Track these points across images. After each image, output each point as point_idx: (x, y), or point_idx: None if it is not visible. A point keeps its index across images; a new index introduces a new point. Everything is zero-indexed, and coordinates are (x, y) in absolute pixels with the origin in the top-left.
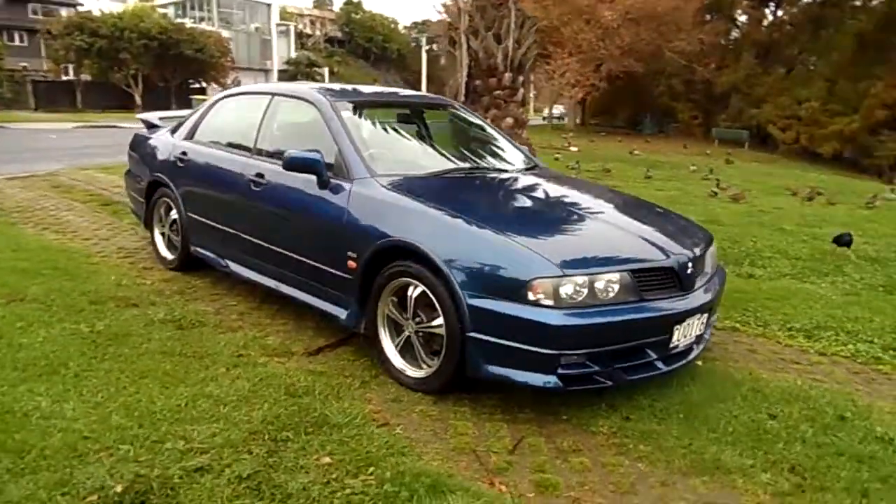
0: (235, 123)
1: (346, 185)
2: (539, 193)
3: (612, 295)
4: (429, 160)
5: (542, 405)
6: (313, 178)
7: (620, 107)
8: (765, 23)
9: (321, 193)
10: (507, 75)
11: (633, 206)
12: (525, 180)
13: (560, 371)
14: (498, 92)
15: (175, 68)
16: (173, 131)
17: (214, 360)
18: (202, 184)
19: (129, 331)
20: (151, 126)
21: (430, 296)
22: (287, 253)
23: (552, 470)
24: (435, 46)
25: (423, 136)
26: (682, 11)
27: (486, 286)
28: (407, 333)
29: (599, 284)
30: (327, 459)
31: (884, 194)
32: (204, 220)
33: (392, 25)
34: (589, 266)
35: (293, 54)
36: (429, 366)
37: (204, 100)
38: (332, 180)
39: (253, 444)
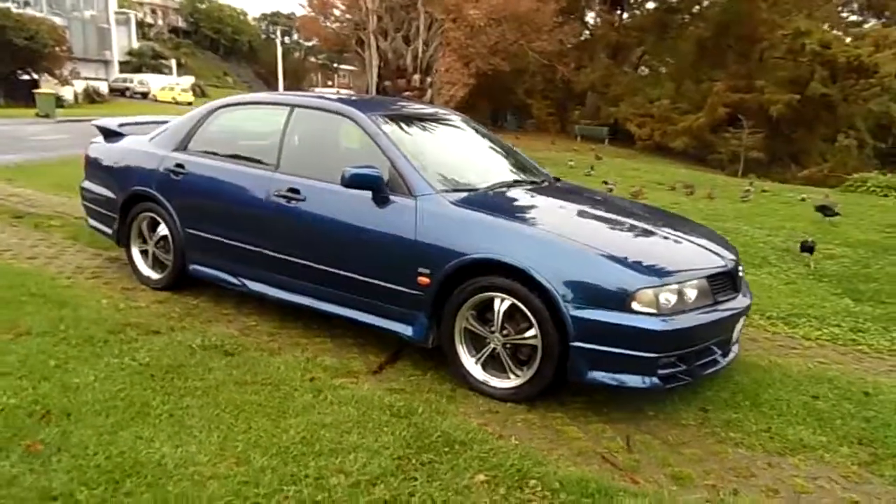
0: (246, 135)
1: (410, 202)
2: (595, 206)
3: (694, 299)
4: (474, 173)
5: (624, 405)
6: (366, 194)
7: (481, 103)
8: (616, 26)
9: (380, 210)
10: (416, 76)
11: (668, 216)
12: (568, 193)
13: (659, 372)
14: (407, 93)
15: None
16: (154, 140)
17: (293, 387)
18: (207, 198)
19: (179, 361)
20: (111, 134)
21: (524, 309)
22: (333, 270)
23: (675, 462)
24: (287, 39)
25: (455, 148)
26: (542, 13)
27: (589, 298)
28: (492, 346)
29: (686, 291)
30: (482, 477)
31: (748, 187)
32: (208, 236)
33: (241, 17)
34: (678, 275)
35: (135, 45)
36: (517, 375)
37: (52, 95)
38: (391, 197)
39: (411, 470)
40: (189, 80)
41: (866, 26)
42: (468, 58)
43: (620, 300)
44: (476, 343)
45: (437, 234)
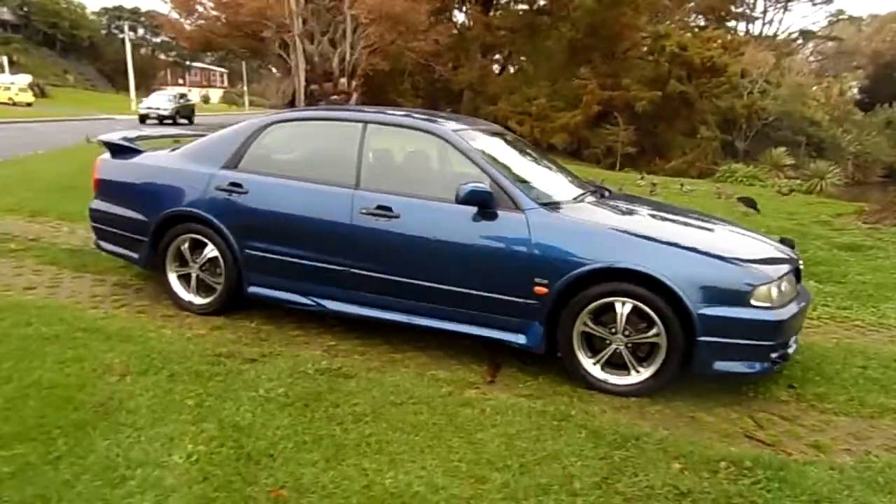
0: (310, 152)
1: (519, 216)
2: (670, 212)
3: (789, 291)
4: (551, 186)
5: (726, 391)
6: (471, 209)
7: (364, 103)
8: (489, 26)
9: (489, 225)
10: (343, 80)
11: (720, 218)
12: (636, 201)
13: (771, 356)
14: (335, 97)
15: None
16: (188, 157)
17: (442, 403)
18: (275, 217)
19: (313, 389)
20: (120, 149)
21: (647, 310)
22: (436, 285)
23: (804, 434)
24: (132, 35)
25: (522, 162)
26: (416, 13)
27: (712, 297)
28: (614, 346)
29: (785, 285)
30: (677, 465)
31: (639, 181)
32: (276, 256)
33: (80, 10)
34: (779, 270)
35: None
36: (638, 371)
37: None
38: (498, 211)
39: (621, 468)
40: (26, 79)
41: (713, 31)
42: None
43: (741, 296)
44: (591, 345)
45: (553, 245)
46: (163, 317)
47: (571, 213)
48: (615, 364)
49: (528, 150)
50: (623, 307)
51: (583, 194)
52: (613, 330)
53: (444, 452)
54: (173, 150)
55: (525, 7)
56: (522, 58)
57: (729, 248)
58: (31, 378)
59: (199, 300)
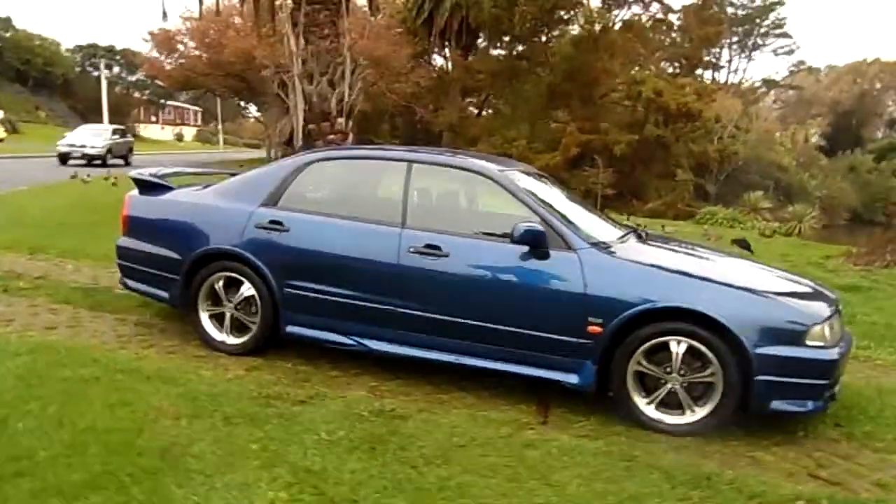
0: (352, 191)
1: (571, 255)
2: (707, 253)
3: (838, 331)
4: (593, 225)
5: (777, 428)
6: (522, 249)
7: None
8: (469, 70)
9: (541, 264)
10: (340, 120)
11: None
12: (673, 242)
13: (825, 395)
14: (331, 136)
15: None
16: (223, 194)
17: (512, 445)
18: (317, 256)
19: (375, 433)
20: (150, 186)
21: (702, 349)
22: (485, 325)
23: (867, 473)
24: (107, 73)
25: (563, 202)
26: (397, 56)
27: (768, 336)
28: (669, 386)
29: (835, 324)
30: None
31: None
32: (317, 295)
33: (54, 48)
34: (829, 310)
35: None
36: (693, 411)
37: None
38: (550, 251)
39: None
40: None
41: (684, 78)
42: None
43: (797, 336)
44: (643, 384)
45: (607, 285)
46: (195, 357)
47: (621, 252)
48: (668, 403)
49: (565, 191)
50: (678, 346)
51: (625, 234)
52: (668, 369)
53: (527, 496)
54: (205, 187)
55: (504, 52)
56: (501, 101)
57: (779, 287)
58: (84, 422)
59: (231, 340)
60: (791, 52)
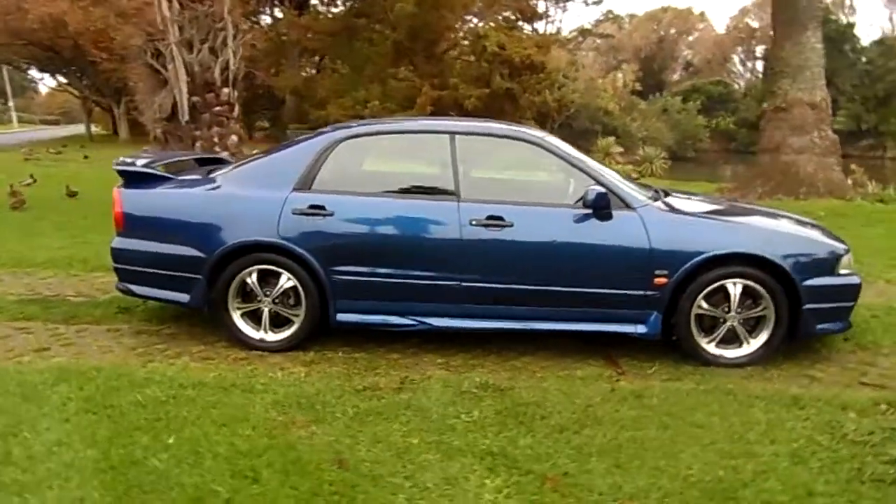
0: (394, 167)
1: (632, 214)
2: (734, 203)
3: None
4: (634, 185)
5: (804, 349)
6: (585, 211)
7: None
8: (307, 30)
9: (606, 224)
10: (226, 90)
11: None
12: (702, 196)
13: (849, 315)
14: (218, 108)
15: None
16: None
17: (666, 404)
18: (372, 238)
19: (519, 402)
20: (139, 177)
21: (756, 287)
22: (554, 288)
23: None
24: None
25: (597, 164)
26: (232, 16)
27: (810, 269)
28: (729, 324)
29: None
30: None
31: None
32: (375, 279)
33: None
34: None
35: None
36: (749, 343)
37: None
38: (613, 211)
39: None
40: None
41: (526, 31)
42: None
43: (832, 266)
44: (702, 325)
45: (669, 238)
46: (240, 360)
47: (671, 207)
48: (726, 339)
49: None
50: (735, 287)
51: (657, 192)
52: (726, 309)
53: (692, 441)
54: (210, 173)
55: (342, 10)
56: (342, 61)
57: (805, 227)
58: (222, 448)
59: (272, 336)
60: (599, 1)
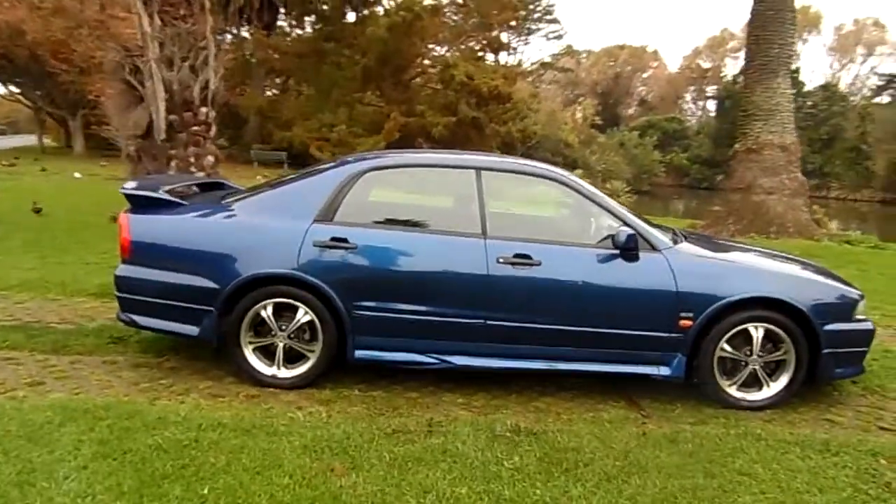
0: (423, 202)
1: (658, 256)
2: (746, 247)
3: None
4: (654, 225)
5: (814, 393)
6: (612, 252)
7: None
8: (275, 51)
9: (633, 266)
10: (204, 109)
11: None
12: (711, 238)
13: (863, 363)
14: (196, 127)
15: None
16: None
17: (682, 453)
18: (397, 273)
19: (555, 447)
20: (149, 202)
21: (777, 331)
22: (580, 329)
23: None
24: None
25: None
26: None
27: (829, 315)
28: (751, 367)
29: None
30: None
31: None
32: (397, 315)
33: None
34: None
35: None
36: (769, 387)
37: None
38: (640, 253)
39: None
40: None
41: (489, 61)
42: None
43: (849, 312)
44: (724, 367)
45: (694, 282)
46: (251, 398)
47: (693, 250)
48: (747, 383)
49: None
50: (757, 331)
51: (675, 234)
52: (748, 352)
53: (737, 487)
54: (226, 202)
55: (312, 33)
56: (308, 84)
57: (820, 272)
58: (263, 500)
59: (284, 373)
60: (560, 36)
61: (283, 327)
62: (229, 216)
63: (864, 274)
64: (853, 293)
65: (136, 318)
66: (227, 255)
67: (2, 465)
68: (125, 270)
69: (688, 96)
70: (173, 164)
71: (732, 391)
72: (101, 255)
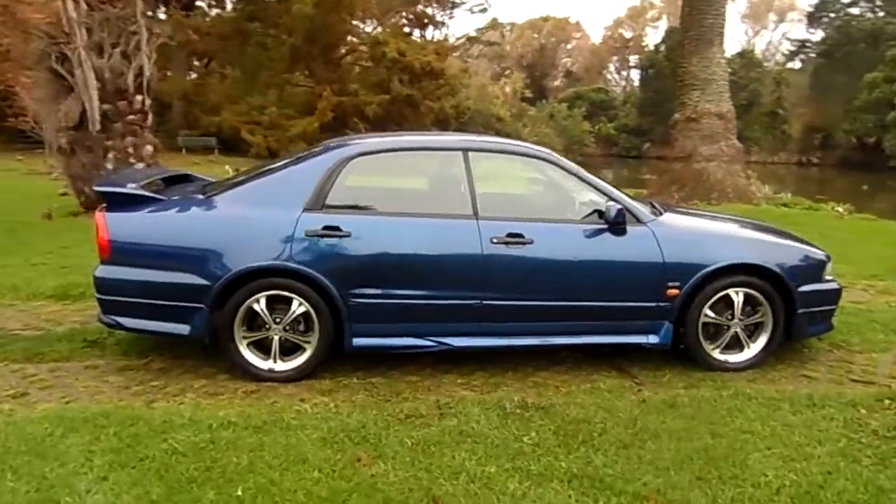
0: (413, 185)
1: (643, 229)
2: (715, 215)
3: None
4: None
5: (786, 350)
6: (600, 226)
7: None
8: (197, 32)
9: (621, 240)
10: (139, 97)
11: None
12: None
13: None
14: (131, 117)
15: None
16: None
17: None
18: (393, 258)
19: (566, 419)
20: (125, 199)
21: (756, 295)
22: (573, 303)
23: (872, 369)
24: None
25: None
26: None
27: (801, 276)
28: (733, 331)
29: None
30: None
31: None
32: (394, 300)
33: None
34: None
35: None
36: (749, 348)
37: None
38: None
39: None
40: None
41: (417, 37)
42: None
43: (819, 273)
44: (707, 333)
45: (680, 251)
46: (250, 394)
47: (674, 221)
48: (728, 345)
49: None
50: (738, 296)
51: (654, 206)
52: (730, 316)
53: (750, 447)
54: (208, 194)
55: (234, 14)
56: (234, 65)
57: (792, 238)
58: (300, 497)
59: (281, 366)
60: (484, 9)
61: (278, 320)
62: (214, 209)
63: (806, 233)
64: (821, 255)
65: (120, 320)
66: (215, 250)
67: (15, 483)
68: (105, 271)
69: (612, 66)
70: (110, 155)
71: (716, 354)
72: (46, 256)
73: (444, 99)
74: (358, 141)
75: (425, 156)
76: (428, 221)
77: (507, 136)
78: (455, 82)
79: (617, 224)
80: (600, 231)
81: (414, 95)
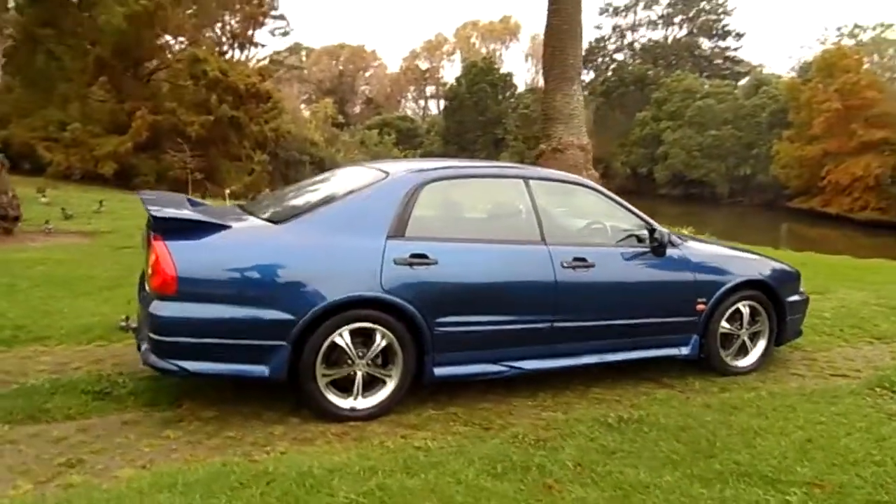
0: (483, 212)
1: (678, 252)
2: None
3: None
4: None
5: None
6: (642, 250)
7: None
8: None
9: (663, 262)
10: None
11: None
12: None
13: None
14: None
15: None
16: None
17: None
18: (476, 286)
19: (649, 429)
20: (186, 227)
21: (757, 307)
22: (626, 321)
23: (843, 362)
24: None
25: None
26: None
27: (788, 289)
28: (742, 339)
29: None
30: None
31: None
32: (475, 328)
33: None
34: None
35: None
36: (751, 354)
37: None
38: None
39: None
40: None
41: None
42: None
43: (797, 286)
44: (721, 342)
45: (705, 270)
46: (343, 436)
47: (695, 245)
48: (736, 353)
49: None
50: (745, 308)
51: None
52: (739, 326)
53: (799, 444)
54: (277, 222)
55: (16, 14)
56: (20, 76)
57: (770, 258)
58: None
59: (363, 403)
60: (286, 33)
61: (361, 354)
62: (292, 237)
63: None
64: (795, 271)
65: (184, 364)
66: (299, 281)
67: None
68: (168, 309)
69: (409, 95)
70: None
71: (729, 361)
72: None
73: (271, 122)
74: (418, 166)
75: (493, 183)
76: (506, 248)
77: (322, 160)
78: (281, 106)
79: (662, 247)
80: (644, 253)
81: (239, 117)
